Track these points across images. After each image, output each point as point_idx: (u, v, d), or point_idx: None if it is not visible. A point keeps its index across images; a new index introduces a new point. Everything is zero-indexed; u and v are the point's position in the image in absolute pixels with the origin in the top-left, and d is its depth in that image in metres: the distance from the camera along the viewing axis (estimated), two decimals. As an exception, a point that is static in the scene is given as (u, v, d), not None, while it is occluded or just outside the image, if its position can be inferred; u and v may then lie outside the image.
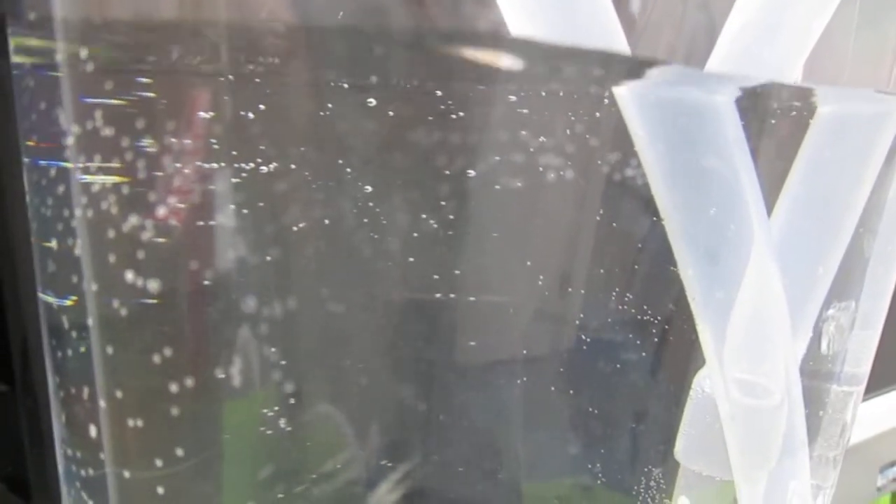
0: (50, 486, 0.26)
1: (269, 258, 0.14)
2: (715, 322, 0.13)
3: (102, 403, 0.15)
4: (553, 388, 0.15)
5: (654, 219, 0.15)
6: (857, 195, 0.14)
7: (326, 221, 0.14)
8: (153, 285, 0.14)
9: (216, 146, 0.14)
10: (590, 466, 0.15)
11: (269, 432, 0.14)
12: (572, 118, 0.14)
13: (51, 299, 0.16)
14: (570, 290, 0.15)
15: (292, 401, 0.15)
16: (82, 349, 0.15)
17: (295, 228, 0.14)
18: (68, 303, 0.15)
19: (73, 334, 0.16)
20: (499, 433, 0.15)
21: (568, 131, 0.14)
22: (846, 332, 0.14)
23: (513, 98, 0.14)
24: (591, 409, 0.15)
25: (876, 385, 0.37)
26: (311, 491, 0.15)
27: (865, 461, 0.38)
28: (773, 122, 0.14)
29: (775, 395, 0.14)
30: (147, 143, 0.14)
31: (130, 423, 0.15)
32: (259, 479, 0.15)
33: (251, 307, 0.14)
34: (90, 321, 0.15)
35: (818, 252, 0.14)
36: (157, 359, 0.14)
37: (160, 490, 0.15)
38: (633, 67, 0.13)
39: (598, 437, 0.15)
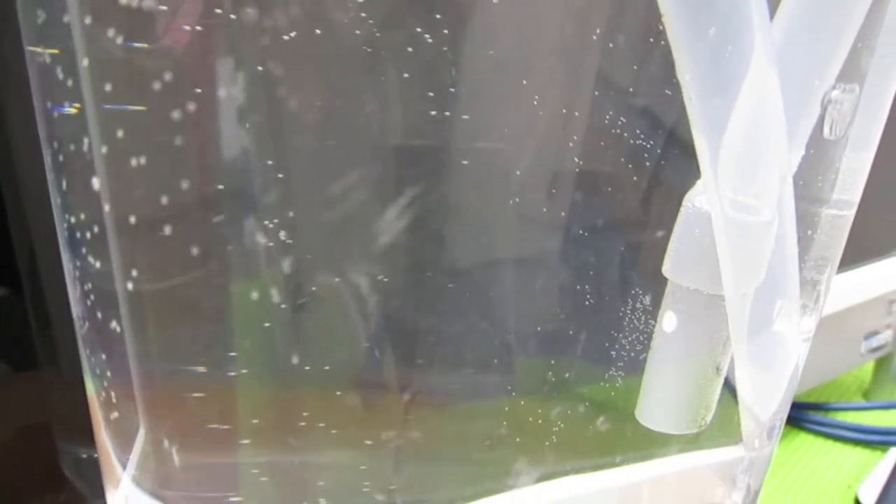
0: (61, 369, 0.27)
1: (271, 92, 0.14)
2: (711, 131, 0.13)
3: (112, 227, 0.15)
4: (544, 210, 0.15)
5: (651, 40, 0.15)
6: (857, 8, 0.14)
7: (320, 33, 0.14)
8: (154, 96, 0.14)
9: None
10: (577, 288, 0.15)
11: (270, 244, 0.15)
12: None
13: (54, 114, 0.16)
14: (563, 111, 0.15)
15: (291, 214, 0.14)
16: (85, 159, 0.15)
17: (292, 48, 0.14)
18: (70, 111, 0.15)
19: (76, 147, 0.15)
20: (495, 254, 0.15)
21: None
22: (848, 118, 0.14)
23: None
24: (581, 233, 0.15)
25: (862, 255, 0.38)
26: (311, 314, 0.15)
27: (850, 329, 0.39)
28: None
29: (765, 212, 0.14)
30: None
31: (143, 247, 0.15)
32: (267, 286, 0.15)
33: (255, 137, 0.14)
34: (92, 130, 0.15)
35: (815, 65, 0.14)
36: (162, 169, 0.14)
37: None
38: None
39: (587, 260, 0.16)
